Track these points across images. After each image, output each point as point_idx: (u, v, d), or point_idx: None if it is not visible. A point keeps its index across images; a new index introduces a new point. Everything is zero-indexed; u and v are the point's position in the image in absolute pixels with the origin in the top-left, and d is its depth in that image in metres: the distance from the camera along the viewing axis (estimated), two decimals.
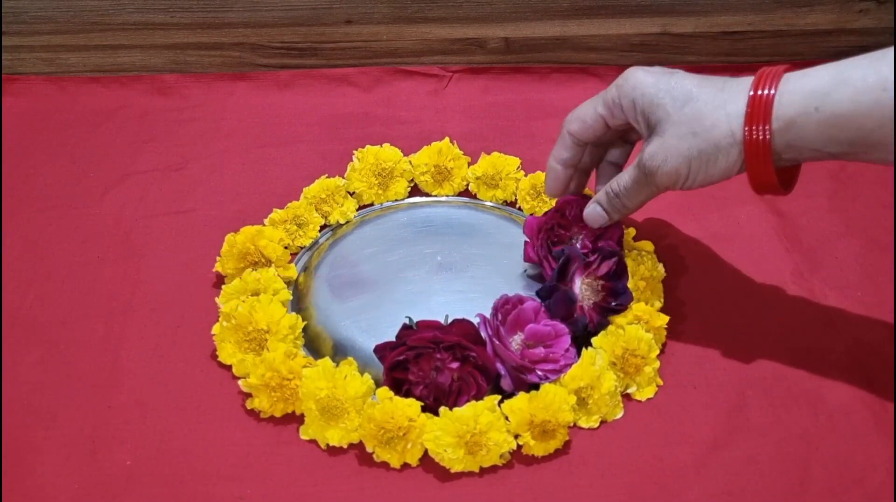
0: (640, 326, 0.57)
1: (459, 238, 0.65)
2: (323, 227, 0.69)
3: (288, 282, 0.63)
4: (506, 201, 0.71)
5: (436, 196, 0.72)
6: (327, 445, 0.53)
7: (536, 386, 0.54)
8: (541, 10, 0.84)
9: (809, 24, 0.86)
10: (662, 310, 0.61)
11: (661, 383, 0.57)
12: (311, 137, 0.79)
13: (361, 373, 0.54)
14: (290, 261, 0.65)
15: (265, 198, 0.71)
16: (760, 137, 0.48)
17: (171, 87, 0.85)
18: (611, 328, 0.57)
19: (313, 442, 0.54)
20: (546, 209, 0.64)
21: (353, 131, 0.80)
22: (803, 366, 0.58)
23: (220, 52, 0.86)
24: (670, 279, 0.64)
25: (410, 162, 0.72)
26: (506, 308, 0.56)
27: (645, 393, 0.56)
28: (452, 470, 0.52)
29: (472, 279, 0.61)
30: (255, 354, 0.56)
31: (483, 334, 0.54)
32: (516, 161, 0.71)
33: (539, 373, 0.54)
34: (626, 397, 0.56)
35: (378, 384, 0.54)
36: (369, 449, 0.52)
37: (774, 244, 0.68)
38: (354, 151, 0.71)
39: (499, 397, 0.53)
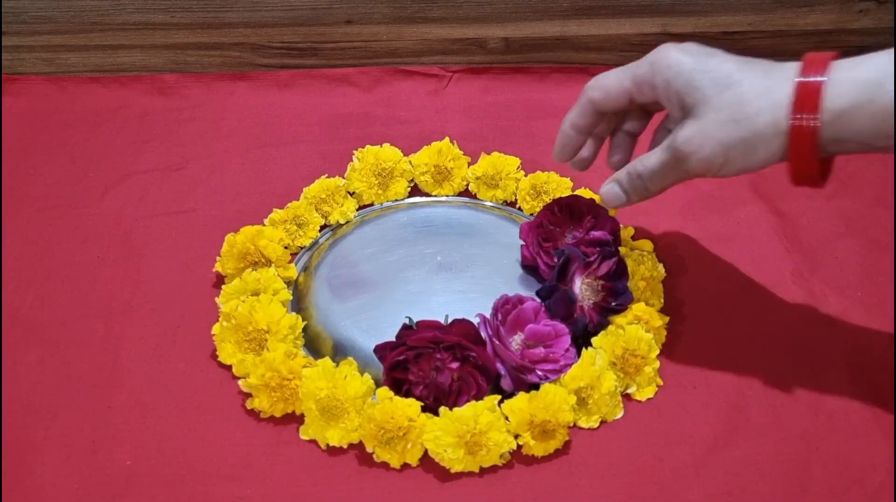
0: (640, 326, 0.57)
1: (459, 238, 0.65)
2: (323, 227, 0.69)
3: (288, 282, 0.63)
4: (506, 201, 0.71)
5: (436, 196, 0.72)
6: (327, 445, 0.53)
7: (536, 386, 0.54)
8: (541, 10, 0.84)
9: (809, 24, 0.86)
10: (662, 310, 0.61)
11: (661, 383, 0.57)
12: (311, 137, 0.79)
13: (361, 373, 0.54)
14: (290, 261, 0.65)
15: (265, 198, 0.71)
16: (808, 127, 0.45)
17: (171, 87, 0.85)
18: (611, 328, 0.57)
19: (313, 442, 0.54)
20: None
21: (353, 131, 0.80)
22: (803, 366, 0.58)
23: (220, 52, 0.86)
24: (670, 279, 0.64)
25: (410, 162, 0.72)
26: (506, 308, 0.56)
27: (645, 393, 0.56)
28: (452, 470, 0.52)
29: (472, 279, 0.61)
30: (255, 354, 0.56)
31: (483, 334, 0.54)
32: (516, 161, 0.71)
33: (539, 372, 0.54)
34: (626, 397, 0.56)
35: (378, 384, 0.54)
36: (369, 450, 0.52)
37: (774, 244, 0.68)
38: (354, 151, 0.71)
39: (499, 397, 0.53)
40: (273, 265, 0.62)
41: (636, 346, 0.56)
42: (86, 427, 0.54)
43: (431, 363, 0.52)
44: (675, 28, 0.86)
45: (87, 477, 0.51)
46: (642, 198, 0.55)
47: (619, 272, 0.58)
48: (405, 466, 0.52)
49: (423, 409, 0.52)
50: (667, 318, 0.59)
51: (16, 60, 0.85)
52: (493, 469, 0.52)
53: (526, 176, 0.71)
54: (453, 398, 0.52)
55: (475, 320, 0.55)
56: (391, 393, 0.53)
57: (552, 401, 0.52)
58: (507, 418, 0.52)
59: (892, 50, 0.45)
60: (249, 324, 0.57)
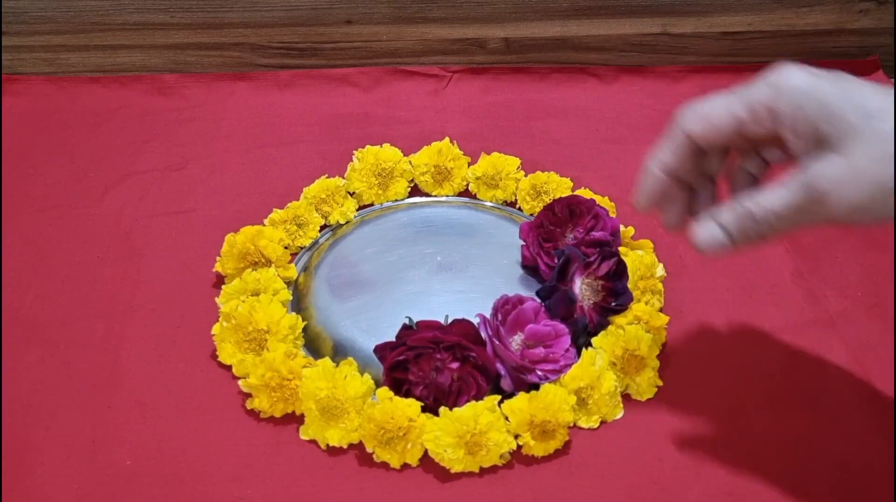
0: (640, 326, 0.57)
1: (459, 238, 0.65)
2: (323, 227, 0.69)
3: (288, 282, 0.63)
4: (506, 201, 0.71)
5: (436, 196, 0.72)
6: (327, 445, 0.53)
7: (536, 387, 0.54)
8: (541, 10, 0.84)
9: (809, 24, 0.86)
10: (662, 310, 0.61)
11: (660, 383, 0.57)
12: (311, 137, 0.79)
13: (361, 373, 0.54)
14: (290, 261, 0.65)
15: (265, 198, 0.71)
16: None
17: (171, 87, 0.85)
18: (611, 328, 0.57)
19: (313, 442, 0.54)
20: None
21: (353, 131, 0.80)
22: (803, 366, 0.58)
23: (220, 52, 0.86)
24: (670, 279, 0.64)
25: (410, 162, 0.72)
26: (506, 308, 0.56)
27: (645, 393, 0.56)
28: (452, 471, 0.52)
29: (472, 279, 0.61)
30: (255, 354, 0.56)
31: (483, 334, 0.54)
32: (516, 161, 0.71)
33: (539, 373, 0.54)
34: (626, 397, 0.56)
35: (378, 384, 0.54)
36: (369, 450, 0.52)
37: (774, 244, 0.68)
38: (354, 151, 0.71)
39: (499, 397, 0.53)
40: (273, 265, 0.62)
41: (636, 346, 0.56)
42: (86, 427, 0.54)
43: (431, 363, 0.52)
44: (675, 28, 0.86)
45: (87, 477, 0.51)
46: (753, 244, 0.44)
47: (619, 272, 0.58)
48: (405, 466, 0.52)
49: (423, 409, 0.52)
50: (667, 318, 0.59)
51: (16, 60, 0.85)
52: (493, 469, 0.52)
53: (526, 176, 0.71)
54: (453, 398, 0.52)
55: (475, 320, 0.55)
56: (391, 394, 0.53)
57: (552, 401, 0.52)
58: (507, 418, 0.52)
59: None
60: (249, 324, 0.57)
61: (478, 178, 0.71)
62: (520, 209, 0.70)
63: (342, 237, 0.66)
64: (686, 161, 0.46)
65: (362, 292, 0.61)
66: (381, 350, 0.54)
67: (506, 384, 0.54)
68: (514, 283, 0.61)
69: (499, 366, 0.54)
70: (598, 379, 0.54)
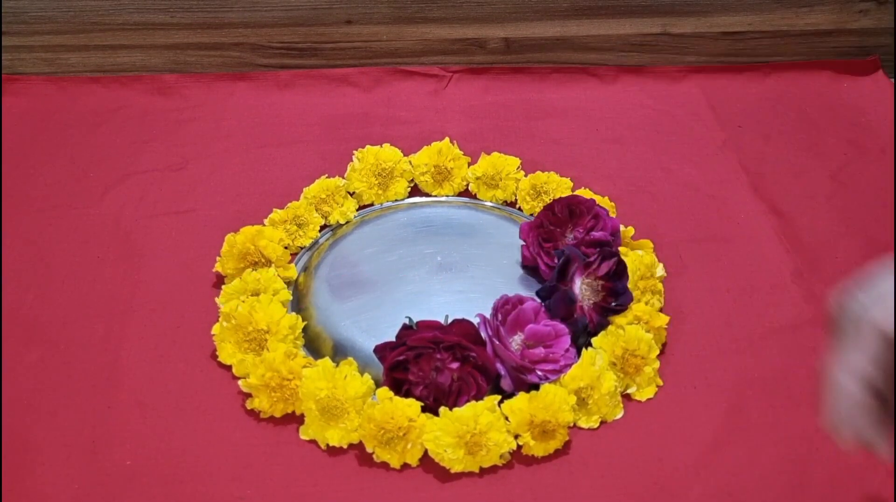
0: (640, 326, 0.57)
1: (459, 238, 0.65)
2: (323, 227, 0.69)
3: (288, 282, 0.63)
4: (506, 201, 0.71)
5: (436, 196, 0.72)
6: (327, 445, 0.53)
7: (536, 387, 0.54)
8: (541, 10, 0.84)
9: (809, 24, 0.86)
10: (662, 310, 0.61)
11: (661, 383, 0.57)
12: (311, 137, 0.79)
13: (361, 373, 0.54)
14: (290, 261, 0.65)
15: (265, 198, 0.71)
16: None
17: (171, 87, 0.85)
18: (611, 328, 0.57)
19: (313, 442, 0.54)
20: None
21: (353, 131, 0.80)
22: (803, 366, 0.58)
23: (220, 52, 0.86)
24: (670, 279, 0.64)
25: (410, 162, 0.72)
26: (506, 308, 0.55)
27: (645, 393, 0.56)
28: (452, 471, 0.52)
29: (472, 279, 0.61)
30: (255, 354, 0.56)
31: (483, 334, 0.54)
32: (516, 161, 0.71)
33: (539, 373, 0.54)
34: (626, 397, 0.56)
35: (378, 384, 0.54)
36: (369, 450, 0.52)
37: (774, 244, 0.68)
38: (354, 151, 0.71)
39: (499, 397, 0.53)
40: (273, 265, 0.62)
41: (636, 346, 0.56)
42: (86, 427, 0.54)
43: (431, 363, 0.52)
44: (675, 28, 0.86)
45: (87, 477, 0.51)
46: None
47: (619, 272, 0.58)
48: (405, 466, 0.52)
49: (423, 409, 0.52)
50: (667, 318, 0.59)
51: (16, 60, 0.85)
52: (493, 469, 0.52)
53: (526, 176, 0.71)
54: (453, 398, 0.52)
55: (475, 320, 0.55)
56: (391, 394, 0.53)
57: (552, 401, 0.52)
58: (507, 418, 0.52)
59: None
60: (249, 324, 0.56)
61: (478, 178, 0.71)
62: (520, 209, 0.70)
63: (342, 237, 0.66)
64: (887, 366, 0.34)
65: (362, 292, 0.61)
66: (381, 350, 0.54)
67: (506, 384, 0.54)
68: (514, 283, 0.61)
69: (499, 366, 0.54)
70: (598, 380, 0.54)
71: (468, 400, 0.52)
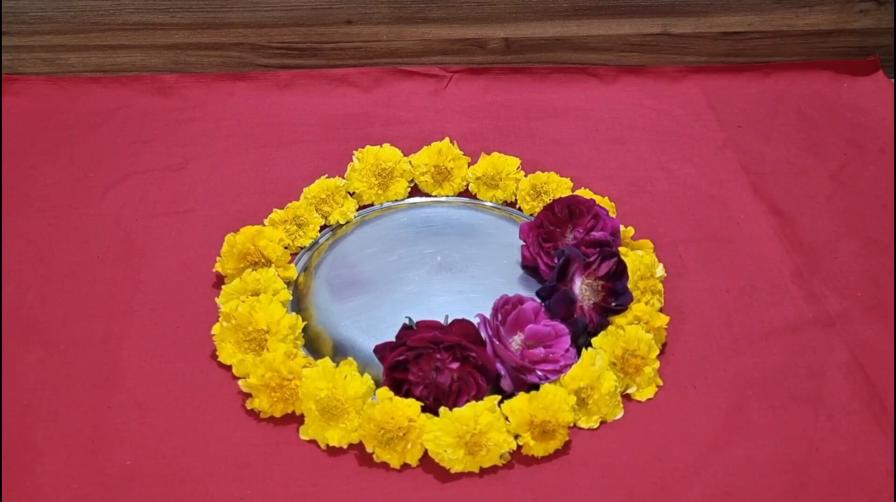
0: (640, 326, 0.57)
1: (459, 238, 0.65)
2: (323, 227, 0.69)
3: (288, 282, 0.63)
4: (506, 201, 0.71)
5: (436, 196, 0.72)
6: (327, 445, 0.53)
7: (536, 387, 0.54)
8: (541, 10, 0.84)
9: (809, 24, 0.86)
10: (662, 310, 0.61)
11: (661, 383, 0.57)
12: (311, 137, 0.79)
13: (361, 373, 0.54)
14: (290, 261, 0.65)
15: (265, 198, 0.71)
16: None
17: (171, 87, 0.85)
18: (611, 328, 0.57)
19: (313, 442, 0.54)
20: None
21: (353, 131, 0.80)
22: (803, 366, 0.58)
23: (220, 52, 0.86)
24: (670, 279, 0.64)
25: (410, 162, 0.72)
26: (506, 308, 0.55)
27: (645, 393, 0.56)
28: (452, 471, 0.52)
29: (471, 279, 0.61)
30: (255, 354, 0.56)
31: (483, 334, 0.54)
32: (516, 161, 0.71)
33: (539, 373, 0.54)
34: (626, 397, 0.56)
35: (378, 384, 0.54)
36: (369, 450, 0.52)
37: (774, 244, 0.68)
38: (354, 151, 0.71)
39: (499, 397, 0.53)
40: (273, 265, 0.62)
41: (636, 346, 0.56)
42: (86, 427, 0.54)
43: (431, 363, 0.52)
44: (675, 28, 0.86)
45: (87, 477, 0.51)
46: None
47: (619, 272, 0.58)
48: (405, 466, 0.52)
49: (423, 409, 0.52)
50: (667, 318, 0.59)
51: (16, 60, 0.85)
52: (493, 469, 0.52)
53: (526, 176, 0.71)
54: (453, 398, 0.52)
55: (475, 320, 0.55)
56: (391, 394, 0.53)
57: (552, 402, 0.52)
58: (507, 418, 0.52)
59: None
60: (249, 324, 0.56)
61: (478, 178, 0.71)
62: (520, 209, 0.70)
63: (342, 237, 0.66)
64: None
65: (362, 292, 0.61)
66: (381, 350, 0.54)
67: (506, 384, 0.54)
68: (514, 283, 0.61)
69: (499, 366, 0.54)
70: (598, 380, 0.54)
71: (468, 401, 0.52)
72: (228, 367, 0.57)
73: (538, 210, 0.66)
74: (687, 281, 0.65)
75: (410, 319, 0.55)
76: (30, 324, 0.61)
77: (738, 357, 0.59)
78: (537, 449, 0.52)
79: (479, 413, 0.51)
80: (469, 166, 0.72)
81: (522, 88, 0.86)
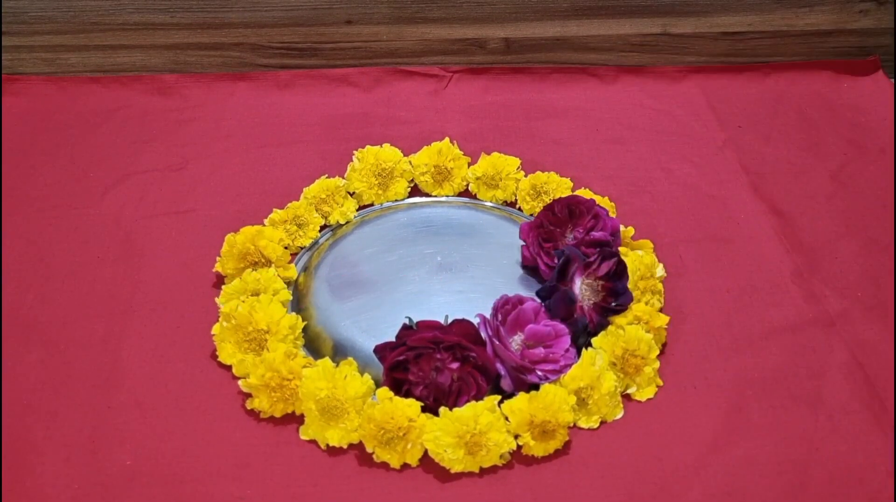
0: (640, 326, 0.57)
1: (459, 238, 0.65)
2: (323, 227, 0.69)
3: (288, 283, 0.63)
4: (506, 201, 0.71)
5: (436, 196, 0.72)
6: (327, 445, 0.53)
7: (536, 387, 0.54)
8: (541, 10, 0.84)
9: (809, 24, 0.86)
10: (662, 310, 0.61)
11: (661, 383, 0.57)
12: (311, 137, 0.79)
13: (361, 373, 0.54)
14: (290, 261, 0.65)
15: (265, 198, 0.71)
16: None
17: (171, 87, 0.85)
18: (611, 328, 0.57)
19: (313, 442, 0.54)
20: None
21: (353, 131, 0.80)
22: (803, 366, 0.58)
23: (220, 52, 0.86)
24: (670, 279, 0.64)
25: (410, 162, 0.72)
26: (506, 308, 0.55)
27: (645, 393, 0.56)
28: (452, 471, 0.52)
29: (471, 279, 0.61)
30: (255, 354, 0.56)
31: (483, 334, 0.54)
32: (516, 161, 0.71)
33: (539, 373, 0.54)
34: (626, 397, 0.56)
35: (378, 384, 0.54)
36: (369, 450, 0.52)
37: (774, 244, 0.68)
38: (354, 151, 0.71)
39: (499, 397, 0.53)
40: (273, 265, 0.62)
41: (636, 346, 0.56)
42: (86, 427, 0.54)
43: (431, 363, 0.52)
44: (675, 28, 0.86)
45: (87, 477, 0.51)
46: None
47: (619, 272, 0.58)
48: (405, 466, 0.52)
49: (423, 409, 0.52)
50: (667, 318, 0.59)
51: (16, 60, 0.85)
52: (493, 469, 0.52)
53: (526, 176, 0.71)
54: (453, 398, 0.52)
55: (475, 320, 0.55)
56: (391, 394, 0.53)
57: (552, 402, 0.52)
58: (507, 418, 0.52)
59: None
60: (249, 324, 0.56)
61: (478, 178, 0.71)
62: (520, 209, 0.70)
63: (342, 237, 0.66)
64: None
65: (362, 292, 0.61)
66: (381, 350, 0.54)
67: (506, 384, 0.54)
68: (514, 283, 0.61)
69: (499, 366, 0.54)
70: (598, 380, 0.54)
71: (468, 401, 0.52)
72: (228, 367, 0.57)
73: (538, 210, 0.66)
74: (687, 281, 0.65)
75: (410, 319, 0.55)
76: (30, 324, 0.61)
77: (738, 357, 0.59)
78: (537, 449, 0.52)
79: (479, 413, 0.51)
80: (469, 166, 0.72)
81: (522, 88, 0.86)
